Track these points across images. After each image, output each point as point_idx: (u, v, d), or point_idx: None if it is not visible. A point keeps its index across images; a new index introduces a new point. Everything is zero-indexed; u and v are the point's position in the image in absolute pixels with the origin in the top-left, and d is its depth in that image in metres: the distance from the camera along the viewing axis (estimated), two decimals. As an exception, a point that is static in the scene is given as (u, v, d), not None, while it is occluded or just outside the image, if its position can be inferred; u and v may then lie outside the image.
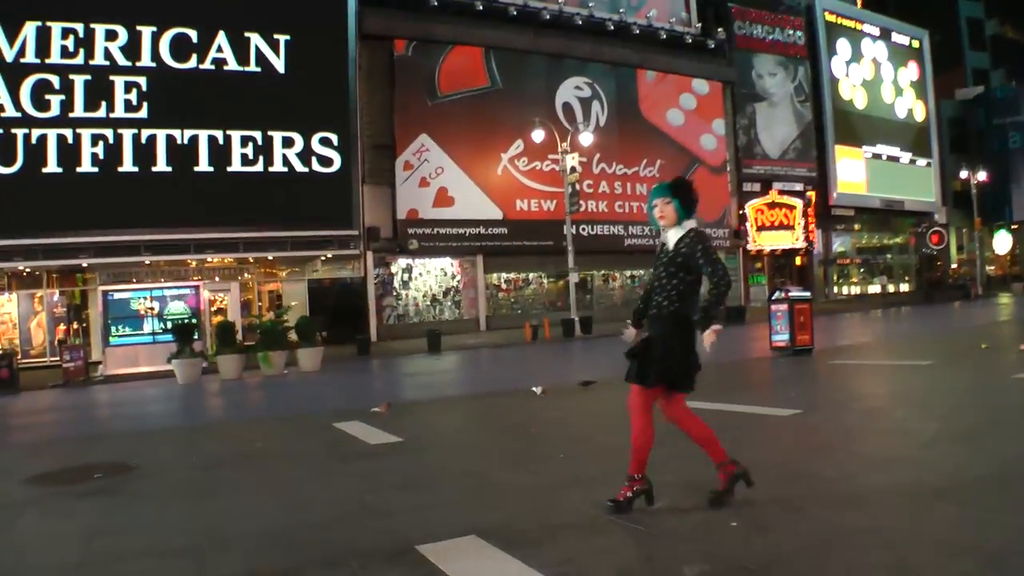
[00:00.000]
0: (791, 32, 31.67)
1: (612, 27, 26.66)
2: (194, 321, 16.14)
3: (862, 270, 35.51)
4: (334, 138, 20.75)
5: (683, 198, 3.60)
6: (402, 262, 23.08)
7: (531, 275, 25.60)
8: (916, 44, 37.36)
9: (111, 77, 18.58)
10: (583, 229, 24.33)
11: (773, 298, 12.18)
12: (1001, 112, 40.47)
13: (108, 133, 18.48)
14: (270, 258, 21.08)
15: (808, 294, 12.60)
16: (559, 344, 18.88)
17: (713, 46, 29.29)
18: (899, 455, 4.50)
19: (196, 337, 15.22)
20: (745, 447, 4.51)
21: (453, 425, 7.33)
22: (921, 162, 36.59)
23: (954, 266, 39.82)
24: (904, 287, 36.94)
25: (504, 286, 25.23)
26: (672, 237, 3.61)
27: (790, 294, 11.96)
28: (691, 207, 3.61)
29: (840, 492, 3.66)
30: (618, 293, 27.40)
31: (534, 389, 8.52)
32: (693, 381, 3.60)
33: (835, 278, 34.16)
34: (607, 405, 7.41)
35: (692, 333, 3.58)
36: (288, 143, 20.31)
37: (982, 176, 36.16)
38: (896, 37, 36.26)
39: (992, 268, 42.53)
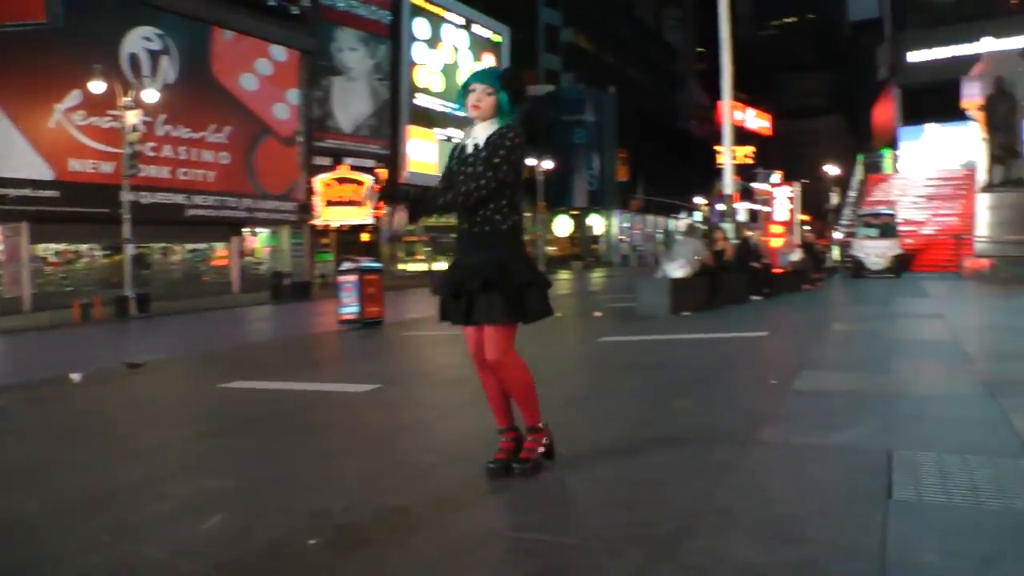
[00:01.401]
0: (376, 9, 41.26)
1: (191, -21, 31.92)
2: None
3: (428, 248, 47.12)
4: None
5: (512, 94, 3.84)
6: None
7: (84, 247, 28.93)
8: (497, 38, 50.23)
9: None
10: (143, 196, 28.21)
11: (341, 268, 14.43)
12: (569, 111, 56.88)
13: None
14: None
15: (379, 265, 15.22)
16: (112, 324, 21.97)
17: (297, 13, 36.88)
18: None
19: None
20: (324, 432, 5.23)
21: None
22: (491, 149, 49.73)
23: (516, 245, 54.20)
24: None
25: (53, 259, 28.15)
26: (482, 133, 3.82)
27: (360, 264, 14.13)
28: (516, 107, 3.86)
29: (445, 481, 4.01)
30: (178, 268, 32.65)
31: (72, 376, 8.92)
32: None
33: (402, 255, 45.25)
34: (157, 390, 8.45)
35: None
36: None
37: (548, 165, 50.59)
38: (478, 29, 48.41)
39: (553, 248, 58.59)
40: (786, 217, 28.76)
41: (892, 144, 52.92)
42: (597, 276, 40.24)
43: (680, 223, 72.97)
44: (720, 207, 24.85)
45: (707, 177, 74.11)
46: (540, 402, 4.12)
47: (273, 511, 3.77)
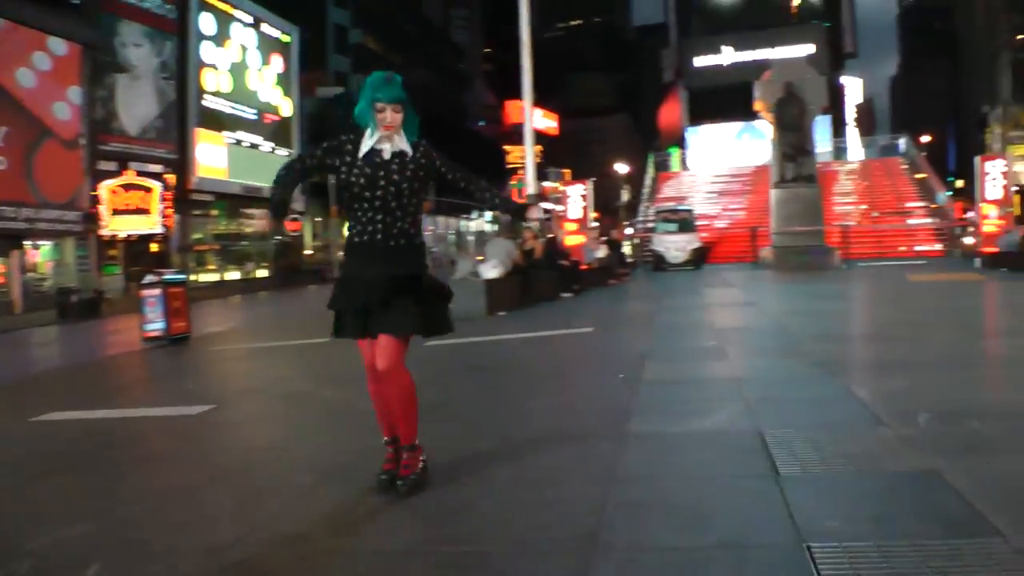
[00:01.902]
0: (163, 3, 39.36)
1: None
2: None
3: (220, 257, 45.36)
4: None
5: (415, 110, 4.02)
6: None
7: None
8: (287, 39, 49.10)
9: None
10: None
11: (144, 282, 13.98)
12: (359, 113, 56.49)
13: None
14: None
15: (184, 276, 14.90)
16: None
17: (77, 2, 34.38)
18: (373, 444, 4.33)
19: None
20: (173, 460, 5.05)
21: None
22: (282, 152, 48.27)
23: (309, 252, 53.20)
24: (262, 273, 48.07)
25: None
26: (399, 140, 4.04)
27: (163, 276, 13.73)
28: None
29: (333, 500, 3.91)
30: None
31: None
32: None
33: (193, 265, 43.30)
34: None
35: None
36: None
37: (343, 168, 49.94)
38: (267, 28, 47.11)
39: (342, 253, 58.20)
40: (580, 215, 29.59)
41: (680, 143, 56.06)
42: (398, 279, 39.80)
43: (472, 224, 74.27)
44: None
45: (496, 177, 76.00)
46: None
47: (157, 554, 3.36)
